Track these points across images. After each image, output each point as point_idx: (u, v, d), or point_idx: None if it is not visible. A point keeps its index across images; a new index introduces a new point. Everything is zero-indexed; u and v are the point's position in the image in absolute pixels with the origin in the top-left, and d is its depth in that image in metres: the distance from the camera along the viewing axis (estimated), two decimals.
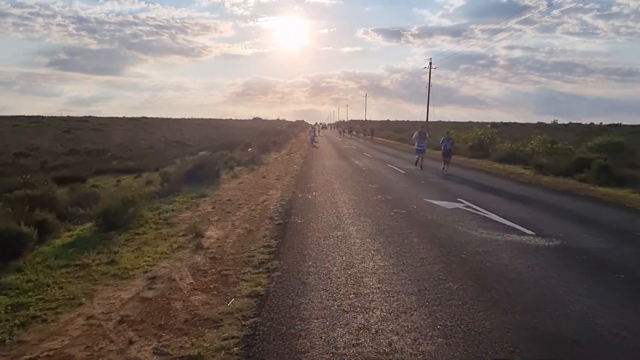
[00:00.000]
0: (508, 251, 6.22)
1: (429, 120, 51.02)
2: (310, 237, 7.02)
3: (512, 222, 8.10)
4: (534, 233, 7.29)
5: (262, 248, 6.36)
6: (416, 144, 19.13)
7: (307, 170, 17.28)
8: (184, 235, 7.13)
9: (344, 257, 5.90)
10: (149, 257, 5.96)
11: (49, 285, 4.89)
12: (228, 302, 4.48)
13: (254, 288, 4.82)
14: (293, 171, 16.91)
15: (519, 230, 7.51)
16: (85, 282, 5.06)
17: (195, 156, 25.36)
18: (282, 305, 4.36)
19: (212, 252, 6.21)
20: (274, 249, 6.33)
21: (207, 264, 5.72)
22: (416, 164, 19.10)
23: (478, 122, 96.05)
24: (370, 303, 4.39)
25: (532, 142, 25.88)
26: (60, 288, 4.84)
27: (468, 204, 9.94)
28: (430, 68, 50.37)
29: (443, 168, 17.43)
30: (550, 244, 6.68)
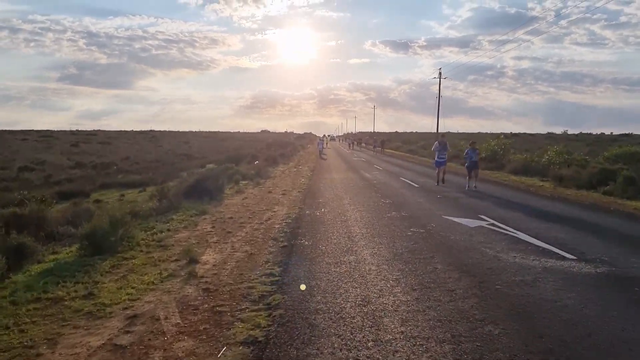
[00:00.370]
0: (551, 281, 5.32)
1: (438, 131, 50.20)
2: (319, 262, 6.18)
3: (547, 243, 7.19)
4: (574, 257, 6.38)
5: (263, 277, 5.53)
6: (436, 155, 16.27)
7: (315, 184, 16.48)
8: (177, 260, 6.34)
9: (358, 290, 5.05)
10: (133, 288, 5.16)
11: (7, 328, 4.10)
12: (219, 351, 3.66)
13: (250, 332, 3.99)
14: (300, 185, 16.13)
15: (556, 253, 6.60)
16: (52, 322, 4.26)
17: (202, 169, 24.75)
18: (284, 358, 3.52)
19: (206, 282, 5.40)
20: (277, 278, 5.50)
21: (200, 298, 4.90)
22: (438, 181, 16.34)
23: (487, 133, 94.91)
24: (394, 355, 3.53)
25: (549, 153, 25.02)
26: (21, 332, 4.05)
27: (492, 221, 9.05)
28: (440, 78, 49.73)
29: (468, 184, 15.58)
30: (598, 271, 5.77)
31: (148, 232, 8.06)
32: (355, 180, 17.89)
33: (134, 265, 6.11)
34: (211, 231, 8.32)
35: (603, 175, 15.50)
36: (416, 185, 16.03)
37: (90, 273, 5.70)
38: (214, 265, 6.13)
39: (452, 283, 5.25)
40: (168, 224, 8.83)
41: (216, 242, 7.44)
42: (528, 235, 7.79)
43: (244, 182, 17.42)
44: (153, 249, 6.98)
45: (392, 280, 5.37)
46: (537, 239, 7.45)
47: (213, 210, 10.59)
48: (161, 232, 8.20)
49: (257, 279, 5.47)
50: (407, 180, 17.73)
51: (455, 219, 9.25)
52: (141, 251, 6.84)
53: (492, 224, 8.76)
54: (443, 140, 17.47)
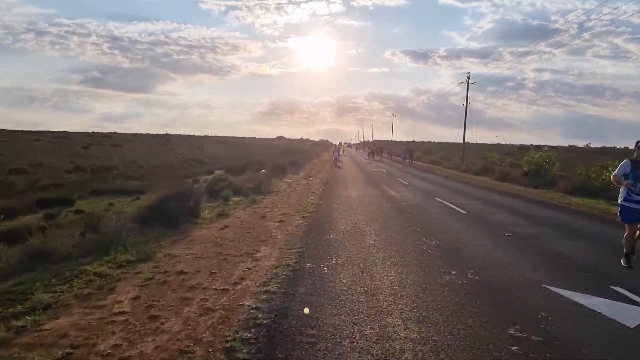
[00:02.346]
0: None
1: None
2: None
3: None
4: None
5: None
6: (624, 193, 6.30)
7: (326, 205, 12.54)
8: None
9: None
10: None
11: None
12: None
13: None
14: (307, 206, 12.20)
15: None
16: None
17: (209, 176, 20.99)
18: None
19: None
20: None
21: None
22: (629, 254, 6.49)
23: (506, 145, 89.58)
24: None
25: (610, 169, 20.82)
26: None
27: None
28: (468, 83, 45.43)
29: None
30: None
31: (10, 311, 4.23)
32: (378, 201, 13.87)
33: None
34: (124, 312, 4.42)
35: None
36: (462, 212, 11.92)
37: None
38: None
39: None
40: (55, 294, 4.98)
41: (111, 353, 3.54)
42: None
43: (235, 198, 13.58)
44: None
45: None
46: None
47: (160, 254, 6.71)
48: (35, 311, 4.38)
49: None
50: (447, 203, 13.62)
51: (574, 295, 5.16)
52: None
53: None
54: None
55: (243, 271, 5.93)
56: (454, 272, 5.91)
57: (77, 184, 22.65)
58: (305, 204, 12.66)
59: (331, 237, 8.20)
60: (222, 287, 5.24)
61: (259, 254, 6.87)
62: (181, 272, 5.81)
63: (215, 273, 5.83)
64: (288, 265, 6.18)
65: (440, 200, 14.42)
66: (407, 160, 40.20)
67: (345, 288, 5.23)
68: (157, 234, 8.29)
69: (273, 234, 8.46)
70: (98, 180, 24.23)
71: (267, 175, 20.67)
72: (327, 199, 13.85)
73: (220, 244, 7.55)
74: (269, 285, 5.30)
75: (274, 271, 5.89)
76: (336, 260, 6.49)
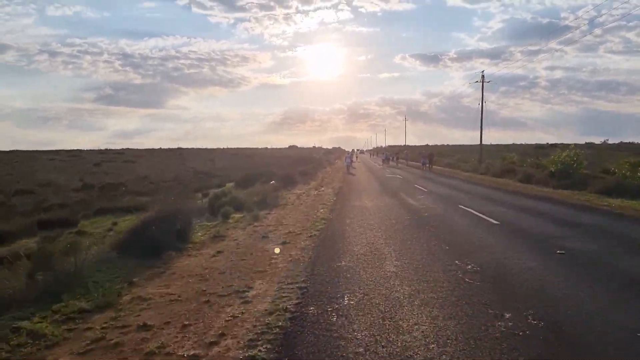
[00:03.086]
0: None
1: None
2: None
3: None
4: None
5: None
6: None
7: (338, 219, 11.07)
8: None
9: None
10: None
11: None
12: None
13: None
14: (316, 221, 10.75)
15: None
16: None
17: (217, 190, 19.72)
18: None
19: None
20: None
21: None
22: None
23: (521, 144, 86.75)
24: None
25: None
26: None
27: None
28: (483, 82, 43.65)
29: None
30: None
31: None
32: (396, 212, 12.34)
33: None
34: None
35: None
36: (494, 222, 10.34)
37: None
38: None
39: None
40: None
41: None
42: None
43: (237, 215, 12.22)
44: None
45: None
46: None
47: (127, 300, 5.32)
48: None
49: None
50: (474, 212, 12.03)
51: None
52: None
53: None
54: None
55: (226, 321, 4.50)
56: (507, 316, 4.37)
57: (82, 203, 21.67)
58: (314, 219, 11.22)
59: (342, 263, 6.72)
60: (191, 352, 3.81)
61: (251, 292, 5.44)
62: (144, 326, 4.40)
63: (188, 326, 4.40)
64: (286, 309, 4.72)
65: (465, 208, 12.83)
66: (427, 165, 37.35)
67: (362, 350, 3.75)
68: (135, 266, 6.94)
69: (273, 261, 7.02)
70: (105, 198, 23.29)
71: (275, 187, 19.31)
72: (339, 212, 12.38)
73: (206, 279, 6.14)
74: (256, 346, 3.85)
75: (267, 320, 4.44)
76: (349, 300, 5.00)
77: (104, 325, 4.47)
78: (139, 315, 4.77)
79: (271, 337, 4.03)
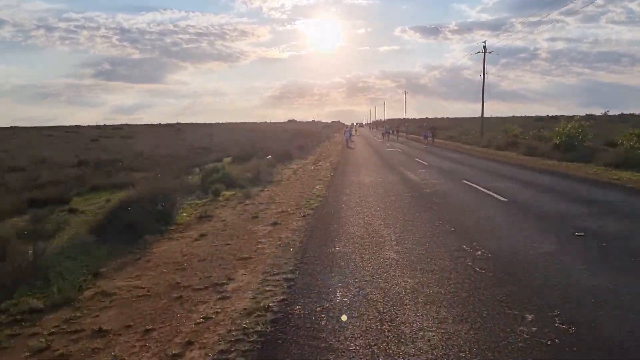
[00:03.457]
0: None
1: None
2: None
3: None
4: None
5: None
6: None
7: (334, 197, 10.34)
8: None
9: None
10: None
11: None
12: None
13: None
14: (311, 199, 10.03)
15: None
16: None
17: (212, 164, 18.93)
18: None
19: None
20: None
21: None
22: None
23: (521, 117, 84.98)
24: None
25: None
26: None
27: None
28: (485, 53, 42.07)
29: None
30: None
31: None
32: (396, 188, 11.60)
33: None
34: None
35: None
36: (502, 199, 9.61)
37: None
38: None
39: None
40: None
41: None
42: None
43: (228, 193, 11.50)
44: None
45: None
46: None
47: (89, 295, 4.64)
48: None
49: None
50: (480, 188, 11.29)
51: None
52: None
53: None
54: None
55: (197, 324, 3.82)
56: (529, 318, 3.68)
57: (77, 180, 21.04)
58: (309, 196, 10.50)
59: (336, 248, 6.02)
60: None
61: (230, 285, 4.75)
62: (99, 332, 3.73)
63: (151, 331, 3.73)
64: (267, 308, 4.04)
65: (470, 183, 12.09)
66: (429, 138, 35.73)
67: None
68: (108, 253, 6.26)
69: (260, 246, 6.33)
70: (100, 174, 22.66)
71: (270, 162, 18.55)
72: (336, 189, 11.65)
73: (183, 268, 5.46)
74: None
75: (244, 323, 3.76)
76: (342, 297, 4.31)
77: (53, 330, 3.80)
78: (97, 316, 4.09)
79: (246, 347, 3.35)
